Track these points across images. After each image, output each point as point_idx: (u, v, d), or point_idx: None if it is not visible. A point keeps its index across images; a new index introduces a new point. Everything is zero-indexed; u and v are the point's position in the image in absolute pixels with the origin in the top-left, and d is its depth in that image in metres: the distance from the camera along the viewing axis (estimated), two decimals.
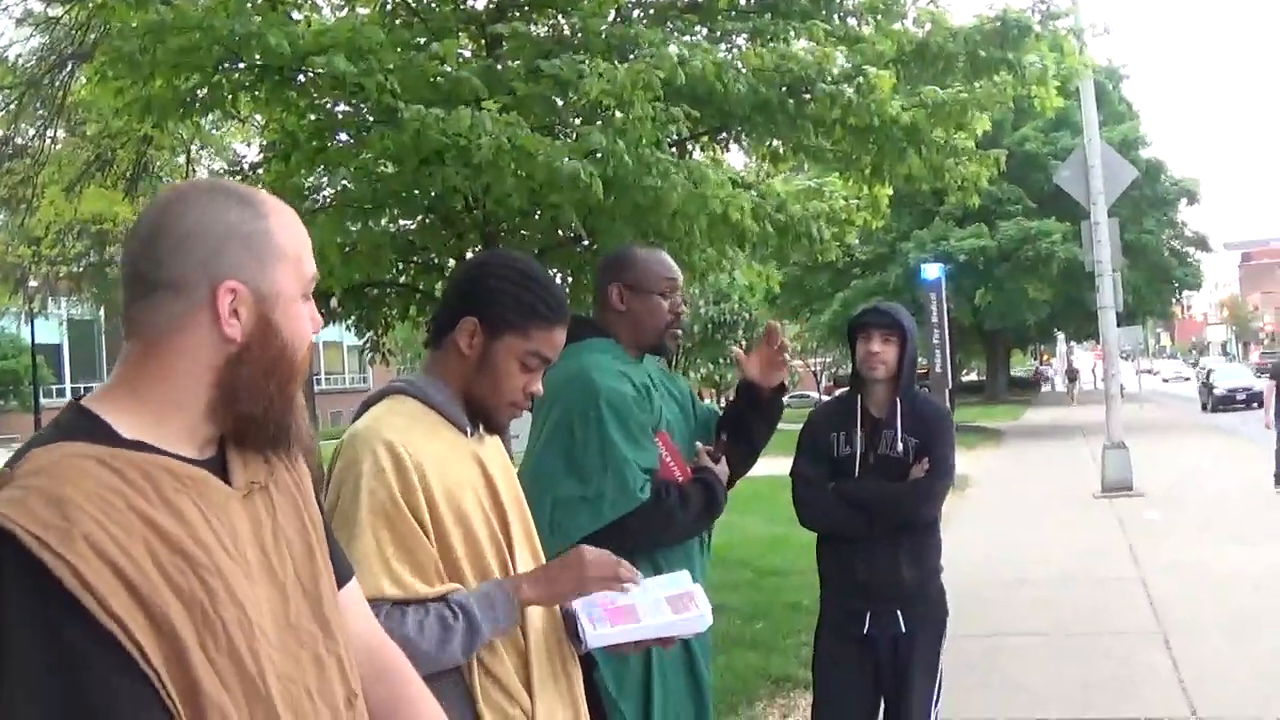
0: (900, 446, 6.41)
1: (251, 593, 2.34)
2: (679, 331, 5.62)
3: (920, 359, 7.78)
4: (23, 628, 2.06)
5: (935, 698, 6.56)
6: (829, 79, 11.47)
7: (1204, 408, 63.55)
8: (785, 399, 5.92)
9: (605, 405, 4.99)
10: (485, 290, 3.82)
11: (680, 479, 5.17)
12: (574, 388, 5.07)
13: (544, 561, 3.96)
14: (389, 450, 3.51)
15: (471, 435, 3.84)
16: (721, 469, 5.35)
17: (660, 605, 3.90)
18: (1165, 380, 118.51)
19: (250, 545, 2.42)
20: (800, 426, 6.81)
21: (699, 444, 5.45)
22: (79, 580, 2.05)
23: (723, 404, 6.59)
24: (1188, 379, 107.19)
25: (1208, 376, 68.42)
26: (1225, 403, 60.48)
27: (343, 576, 2.80)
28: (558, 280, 13.15)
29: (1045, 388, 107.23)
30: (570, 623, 3.85)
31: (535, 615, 3.76)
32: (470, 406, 3.85)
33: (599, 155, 9.74)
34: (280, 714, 2.31)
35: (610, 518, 4.86)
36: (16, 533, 2.05)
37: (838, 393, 7.42)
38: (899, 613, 6.42)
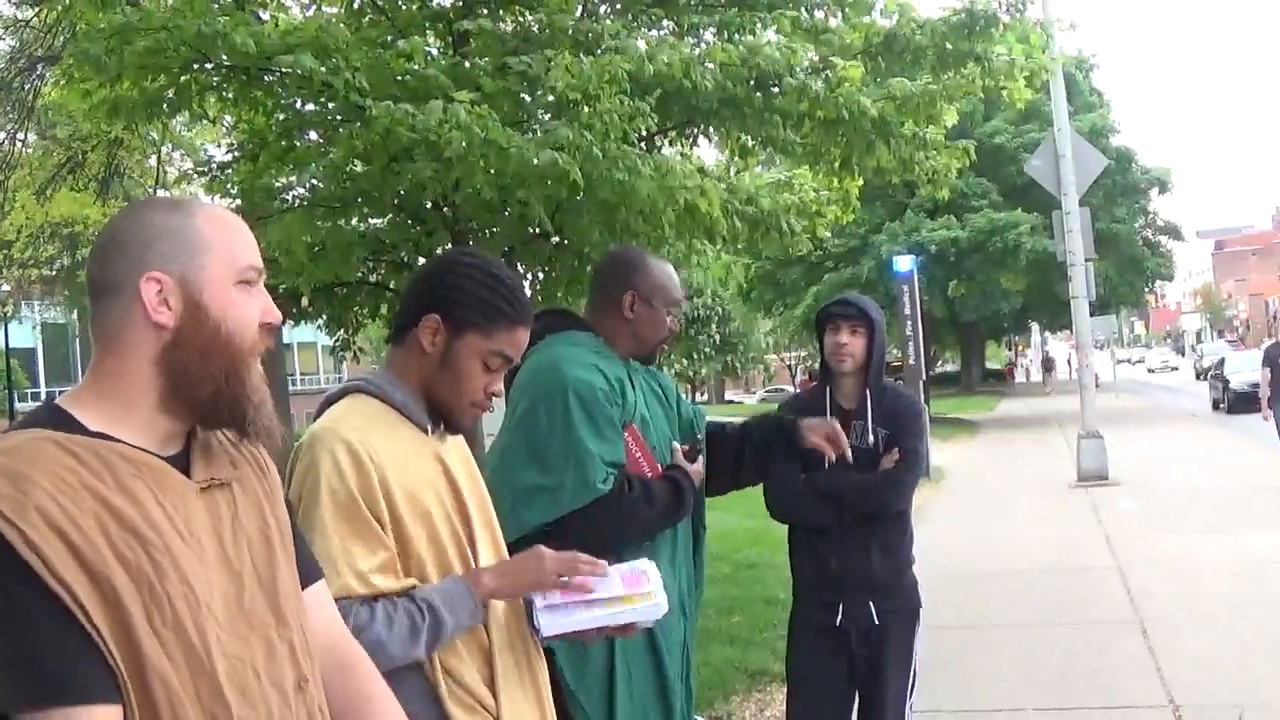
0: (870, 438, 6.41)
1: (203, 574, 2.46)
2: (666, 346, 5.66)
3: (894, 351, 7.79)
4: None
5: (910, 688, 6.57)
6: (796, 72, 11.47)
7: (1216, 406, 49.78)
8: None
9: (572, 395, 4.97)
10: (450, 288, 3.82)
11: (649, 475, 5.15)
12: (542, 378, 5.07)
13: (504, 553, 3.97)
14: (348, 450, 3.53)
15: (432, 433, 3.84)
16: (696, 469, 5.34)
17: (613, 580, 3.91)
18: (1151, 370, 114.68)
19: (206, 534, 2.54)
20: None
21: (675, 444, 5.44)
22: (28, 545, 2.22)
23: (694, 400, 6.54)
24: (1175, 368, 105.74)
25: (1219, 367, 51.76)
26: (1247, 401, 38.30)
27: (309, 577, 2.91)
28: (527, 278, 13.20)
29: (1020, 377, 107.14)
30: (529, 610, 3.87)
31: (498, 611, 3.78)
32: (431, 405, 3.85)
33: (566, 151, 9.73)
34: (224, 689, 2.43)
35: (569, 508, 4.84)
36: None
37: (813, 385, 7.42)
38: (871, 604, 6.42)
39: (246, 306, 2.63)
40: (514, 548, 4.22)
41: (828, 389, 6.58)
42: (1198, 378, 67.70)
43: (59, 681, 2.22)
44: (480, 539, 3.82)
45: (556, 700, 4.14)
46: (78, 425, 2.46)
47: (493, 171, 9.99)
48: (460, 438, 4.01)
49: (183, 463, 2.59)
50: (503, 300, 3.84)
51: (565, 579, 3.82)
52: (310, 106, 11.89)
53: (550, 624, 3.82)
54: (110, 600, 2.27)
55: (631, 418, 5.19)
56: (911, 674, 6.57)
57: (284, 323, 13.44)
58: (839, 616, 6.46)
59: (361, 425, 3.64)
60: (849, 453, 5.73)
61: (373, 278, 14.05)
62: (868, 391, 6.47)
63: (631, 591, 3.91)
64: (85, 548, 2.26)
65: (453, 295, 3.80)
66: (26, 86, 22.51)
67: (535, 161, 9.68)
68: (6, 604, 2.20)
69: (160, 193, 22.78)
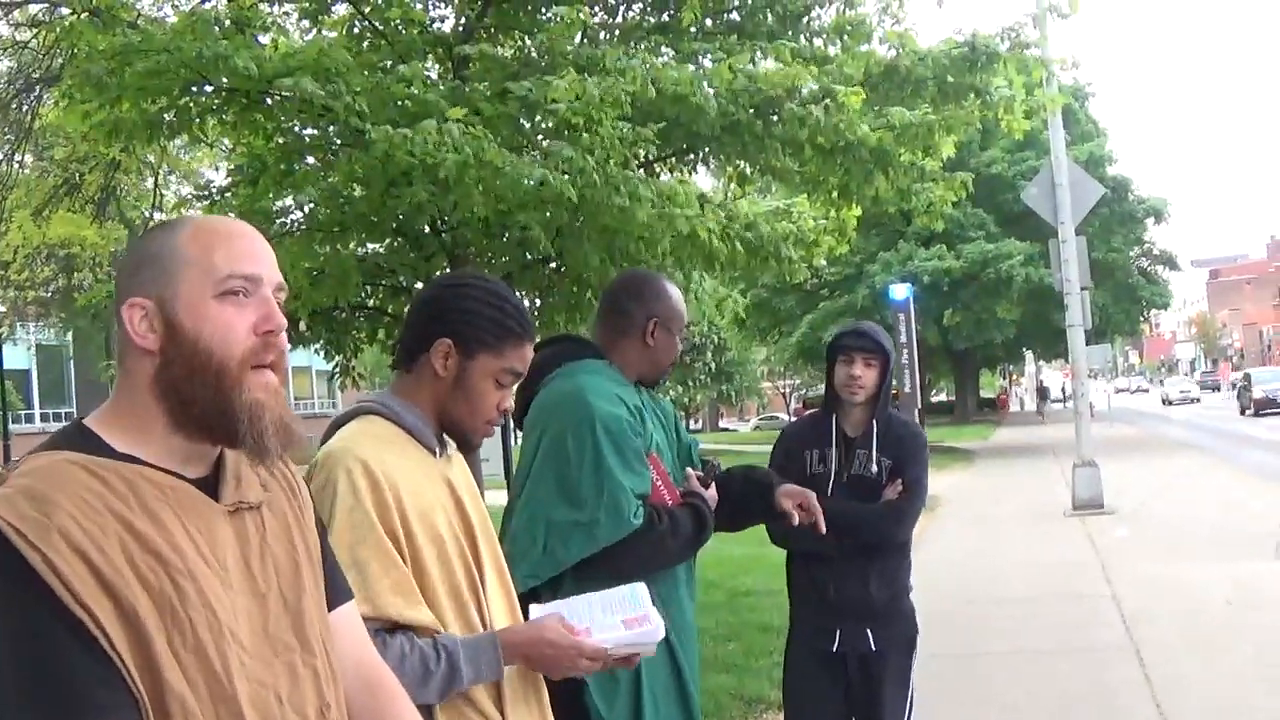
0: (874, 467, 6.40)
1: (226, 599, 2.44)
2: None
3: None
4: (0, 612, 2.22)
5: (907, 715, 6.57)
6: (798, 99, 11.48)
7: (1243, 411, 68.91)
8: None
9: (600, 429, 4.94)
10: (460, 311, 3.84)
11: (670, 503, 5.15)
12: (568, 410, 5.04)
13: (510, 584, 3.99)
14: (365, 470, 3.52)
15: (440, 456, 3.84)
16: (710, 494, 5.34)
17: (615, 627, 3.92)
18: (1169, 403, 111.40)
19: (232, 558, 2.53)
20: (770, 448, 6.81)
21: (689, 470, 5.43)
22: (51, 569, 2.20)
23: (689, 427, 6.56)
24: (1196, 399, 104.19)
25: (1246, 381, 73.00)
26: (1266, 406, 65.56)
27: (338, 598, 2.91)
28: (526, 303, 13.20)
29: (1014, 406, 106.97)
30: None
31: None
32: (445, 426, 3.88)
33: (566, 174, 9.73)
34: (245, 714, 2.41)
35: (604, 543, 4.83)
36: (1, 527, 2.22)
37: (807, 412, 7.41)
38: (868, 631, 6.43)
39: (228, 318, 2.57)
40: (540, 587, 4.30)
41: (833, 416, 6.57)
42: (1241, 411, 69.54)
43: (79, 705, 2.21)
44: (486, 562, 3.83)
45: None
46: (105, 447, 2.45)
47: (491, 195, 9.99)
48: (462, 460, 4.01)
49: (211, 484, 2.58)
50: (512, 320, 3.87)
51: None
52: (310, 130, 11.89)
53: None
54: (132, 623, 2.26)
55: (650, 446, 5.20)
56: (909, 700, 6.57)
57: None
58: (836, 643, 6.46)
59: (375, 445, 3.64)
60: (822, 525, 5.68)
61: (371, 302, 14.01)
62: (873, 420, 6.47)
63: (632, 632, 3.93)
64: (107, 570, 2.25)
65: (463, 319, 3.82)
66: (24, 108, 22.52)
67: (529, 182, 9.68)
68: (27, 627, 2.20)
69: (157, 216, 22.76)
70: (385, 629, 3.43)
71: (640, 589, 4.15)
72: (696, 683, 5.26)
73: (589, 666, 3.86)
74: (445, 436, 3.94)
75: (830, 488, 6.28)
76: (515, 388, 5.28)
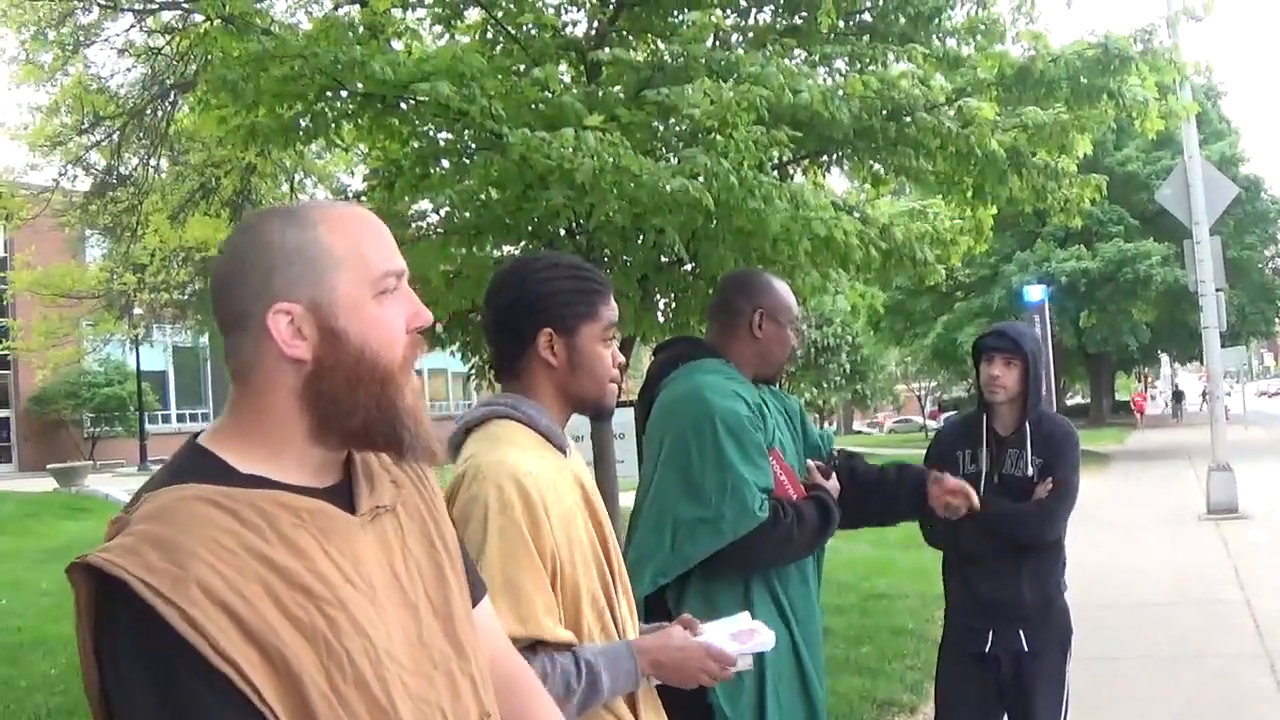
0: (1028, 468, 6.42)
1: (378, 619, 2.35)
2: (789, 366, 5.67)
3: None
4: (138, 673, 2.11)
5: (1063, 716, 6.56)
6: (930, 106, 11.43)
7: None
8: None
9: (720, 425, 4.96)
10: (543, 298, 3.87)
11: (794, 497, 5.15)
12: (688, 408, 5.08)
13: (628, 582, 4.03)
14: (517, 486, 3.52)
15: (568, 455, 3.89)
16: (833, 485, 5.34)
17: (725, 643, 3.95)
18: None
19: (377, 570, 2.43)
20: (905, 452, 6.81)
21: (810, 462, 5.44)
22: (190, 624, 2.08)
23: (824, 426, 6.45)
24: None
25: None
26: None
27: (476, 594, 2.82)
28: (660, 304, 13.21)
29: (1151, 409, 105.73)
30: None
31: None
32: (576, 406, 3.95)
33: (701, 178, 9.73)
34: None
35: (731, 538, 4.84)
36: (129, 580, 2.09)
37: (944, 416, 7.41)
38: (1021, 631, 6.44)
39: (390, 319, 2.47)
40: (667, 587, 4.33)
41: (984, 416, 6.59)
42: None
43: None
44: (613, 554, 3.87)
45: None
46: (229, 470, 2.34)
47: (626, 199, 10.01)
48: (579, 454, 4.05)
49: (345, 492, 2.48)
50: (589, 280, 3.94)
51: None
52: (445, 134, 11.96)
53: None
54: (282, 671, 2.16)
55: (772, 441, 5.20)
56: (1064, 703, 6.55)
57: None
58: (988, 643, 6.48)
59: (520, 456, 3.64)
60: (975, 499, 5.67)
61: None
62: (1025, 421, 6.47)
63: (744, 645, 3.98)
64: (252, 619, 2.14)
65: (550, 303, 3.86)
66: (159, 114, 22.74)
67: (667, 189, 9.69)
68: (170, 689, 2.10)
69: None
70: (526, 648, 3.41)
71: (743, 615, 4.20)
72: (822, 682, 5.28)
73: (715, 670, 3.88)
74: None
75: (982, 487, 6.28)
76: (639, 394, 5.36)
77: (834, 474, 5.47)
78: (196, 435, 2.45)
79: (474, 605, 2.77)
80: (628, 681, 3.65)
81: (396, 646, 2.38)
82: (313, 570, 2.26)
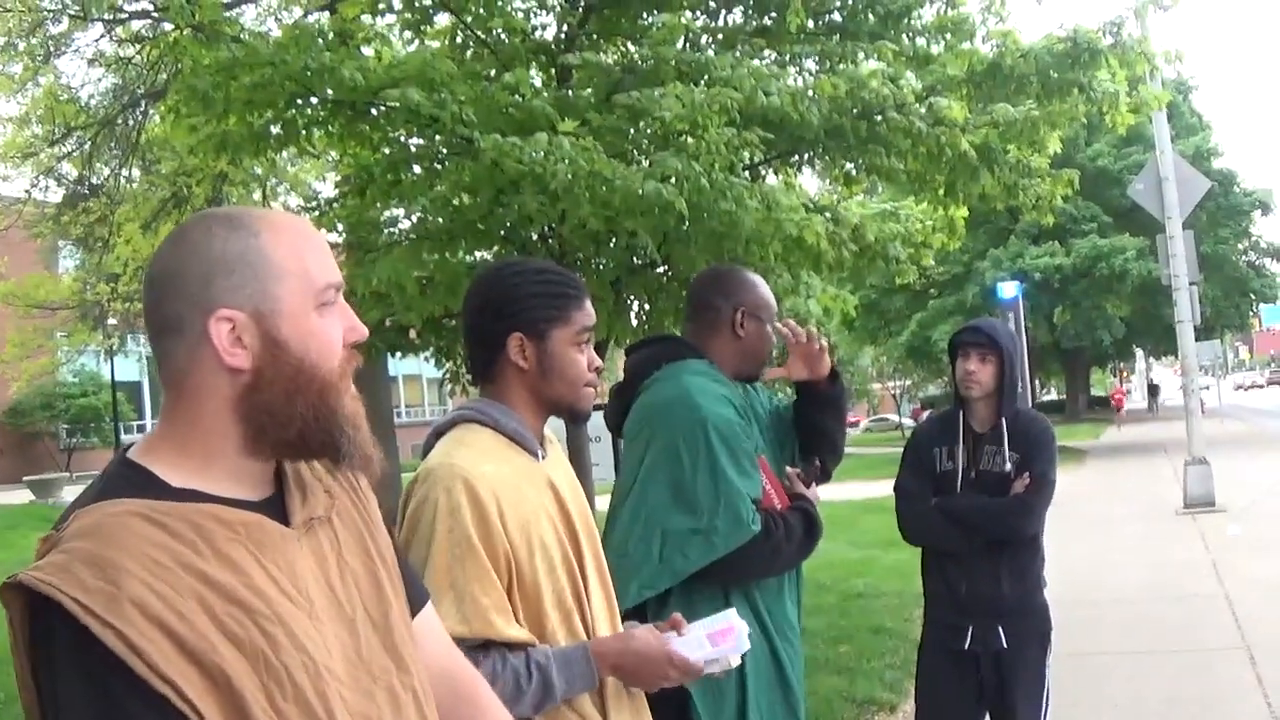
0: (1005, 464, 6.43)
1: (316, 634, 2.32)
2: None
3: None
4: (75, 696, 2.06)
5: (1043, 714, 6.57)
6: (900, 105, 11.44)
7: None
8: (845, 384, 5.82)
9: (713, 432, 4.88)
10: (512, 302, 3.87)
11: (779, 506, 5.11)
12: (678, 413, 4.97)
13: (609, 584, 4.01)
14: (466, 488, 3.52)
15: (542, 459, 3.87)
16: (813, 493, 5.31)
17: (701, 642, 3.92)
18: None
19: (314, 584, 2.40)
20: (883, 449, 6.83)
21: (789, 469, 5.40)
22: (126, 644, 2.04)
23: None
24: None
25: None
26: None
27: (417, 602, 2.78)
28: (634, 307, 13.21)
29: (1128, 404, 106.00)
30: None
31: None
32: (550, 409, 3.93)
33: (674, 181, 9.73)
34: None
35: (723, 551, 4.77)
36: (63, 600, 2.04)
37: (925, 414, 7.44)
38: (1000, 628, 6.46)
39: (329, 332, 2.44)
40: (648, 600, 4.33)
41: (960, 413, 6.62)
42: None
43: None
44: (588, 560, 3.85)
45: None
46: (160, 484, 2.28)
47: (599, 204, 10.00)
48: (562, 456, 4.05)
49: (278, 504, 2.44)
50: (563, 285, 3.93)
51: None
52: (416, 140, 11.94)
53: None
54: (223, 688, 2.11)
55: (758, 445, 5.16)
56: (1044, 699, 6.57)
57: (392, 355, 13.54)
58: (968, 640, 6.49)
59: (476, 458, 3.64)
60: (815, 341, 5.56)
61: None
62: (1002, 417, 6.49)
63: (718, 648, 3.94)
64: (190, 636, 2.09)
65: (519, 308, 3.85)
66: (130, 123, 22.73)
67: (640, 193, 9.69)
68: (108, 710, 2.05)
69: None
70: (477, 647, 3.43)
71: (726, 613, 4.13)
72: (801, 686, 5.24)
73: (678, 678, 3.86)
74: (544, 437, 3.96)
75: (959, 484, 6.31)
76: (613, 393, 5.31)
77: (814, 484, 5.44)
78: (127, 449, 2.41)
79: (415, 614, 2.73)
80: (583, 683, 3.62)
81: (335, 662, 2.35)
82: (249, 585, 2.22)
